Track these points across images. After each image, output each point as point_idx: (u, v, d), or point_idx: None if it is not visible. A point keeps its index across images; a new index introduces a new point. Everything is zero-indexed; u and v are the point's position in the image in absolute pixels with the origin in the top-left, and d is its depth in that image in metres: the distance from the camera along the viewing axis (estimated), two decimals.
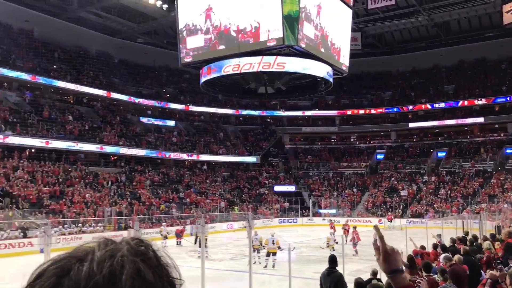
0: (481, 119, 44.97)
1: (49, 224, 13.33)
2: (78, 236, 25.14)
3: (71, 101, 40.50)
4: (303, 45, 17.03)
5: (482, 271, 8.27)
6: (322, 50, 18.57)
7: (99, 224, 27.83)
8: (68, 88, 38.34)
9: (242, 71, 18.06)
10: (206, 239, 21.02)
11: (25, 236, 23.43)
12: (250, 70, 18.05)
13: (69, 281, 0.71)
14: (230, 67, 18.17)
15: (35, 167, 31.34)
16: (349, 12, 20.69)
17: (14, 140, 31.33)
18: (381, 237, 1.59)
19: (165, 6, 35.85)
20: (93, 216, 28.52)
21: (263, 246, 17.94)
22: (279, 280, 15.15)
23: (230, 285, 16.37)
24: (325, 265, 8.58)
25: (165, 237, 25.01)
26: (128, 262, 0.73)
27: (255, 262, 18.05)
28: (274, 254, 17.45)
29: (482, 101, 44.93)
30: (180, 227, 27.45)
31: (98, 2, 36.79)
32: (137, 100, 43.38)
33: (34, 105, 35.96)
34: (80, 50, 42.64)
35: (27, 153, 33.13)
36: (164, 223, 28.99)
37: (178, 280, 0.80)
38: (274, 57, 17.73)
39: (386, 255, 1.59)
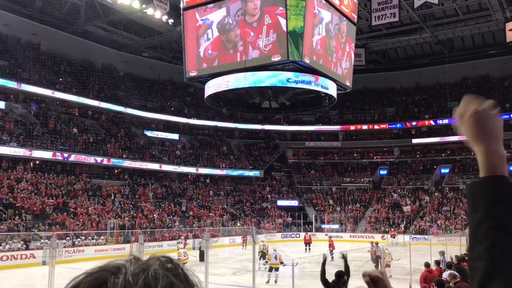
0: None
1: (55, 237, 13.33)
2: (80, 248, 25.12)
3: (76, 114, 40.75)
4: (307, 61, 17.16)
5: None
6: (326, 65, 18.70)
7: (102, 237, 27.81)
8: (73, 100, 38.66)
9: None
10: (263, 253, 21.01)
11: (27, 248, 23.43)
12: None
13: None
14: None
15: (39, 179, 31.44)
16: (353, 28, 20.87)
17: (19, 151, 31.43)
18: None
19: (170, 21, 36.21)
20: (96, 229, 28.51)
21: (266, 261, 17.84)
22: None
23: None
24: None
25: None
26: (161, 276, 0.75)
27: None
28: (277, 269, 17.36)
29: None
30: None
31: (105, 16, 37.23)
32: (141, 113, 43.64)
33: (40, 117, 36.21)
34: (86, 63, 42.96)
35: (31, 164, 33.25)
36: (182, 237, 29.22)
37: None
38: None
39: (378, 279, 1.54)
